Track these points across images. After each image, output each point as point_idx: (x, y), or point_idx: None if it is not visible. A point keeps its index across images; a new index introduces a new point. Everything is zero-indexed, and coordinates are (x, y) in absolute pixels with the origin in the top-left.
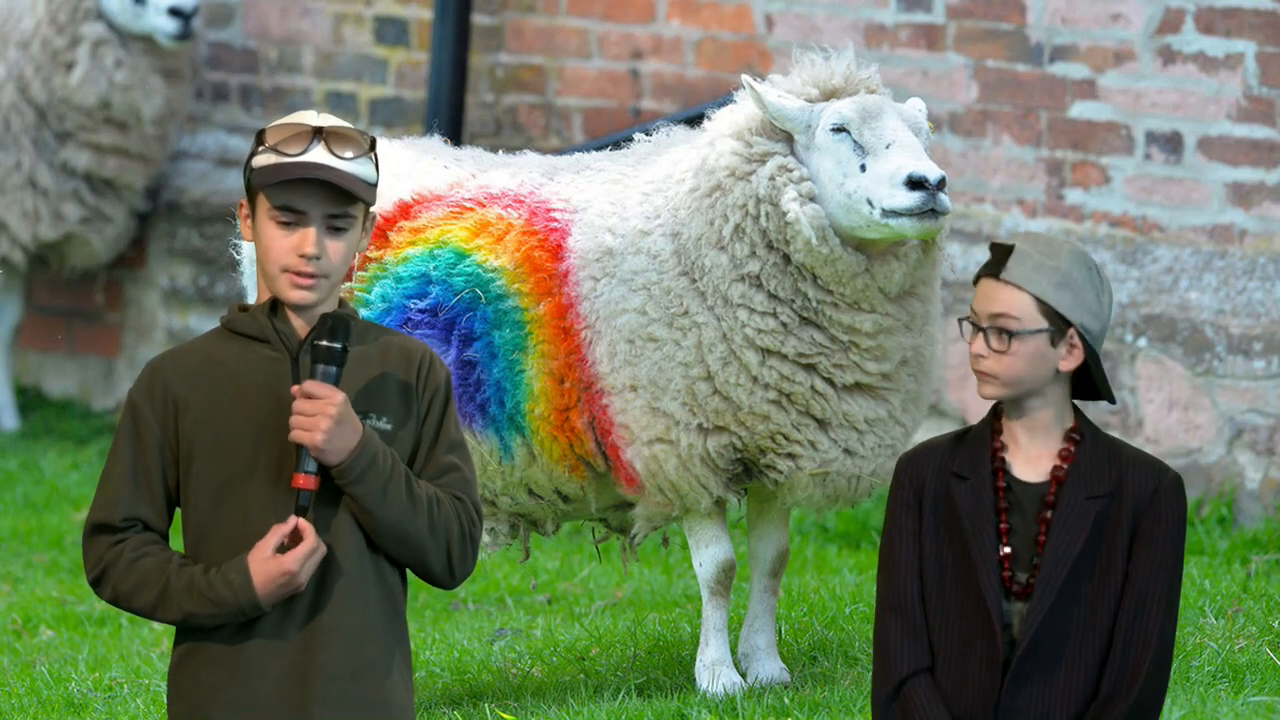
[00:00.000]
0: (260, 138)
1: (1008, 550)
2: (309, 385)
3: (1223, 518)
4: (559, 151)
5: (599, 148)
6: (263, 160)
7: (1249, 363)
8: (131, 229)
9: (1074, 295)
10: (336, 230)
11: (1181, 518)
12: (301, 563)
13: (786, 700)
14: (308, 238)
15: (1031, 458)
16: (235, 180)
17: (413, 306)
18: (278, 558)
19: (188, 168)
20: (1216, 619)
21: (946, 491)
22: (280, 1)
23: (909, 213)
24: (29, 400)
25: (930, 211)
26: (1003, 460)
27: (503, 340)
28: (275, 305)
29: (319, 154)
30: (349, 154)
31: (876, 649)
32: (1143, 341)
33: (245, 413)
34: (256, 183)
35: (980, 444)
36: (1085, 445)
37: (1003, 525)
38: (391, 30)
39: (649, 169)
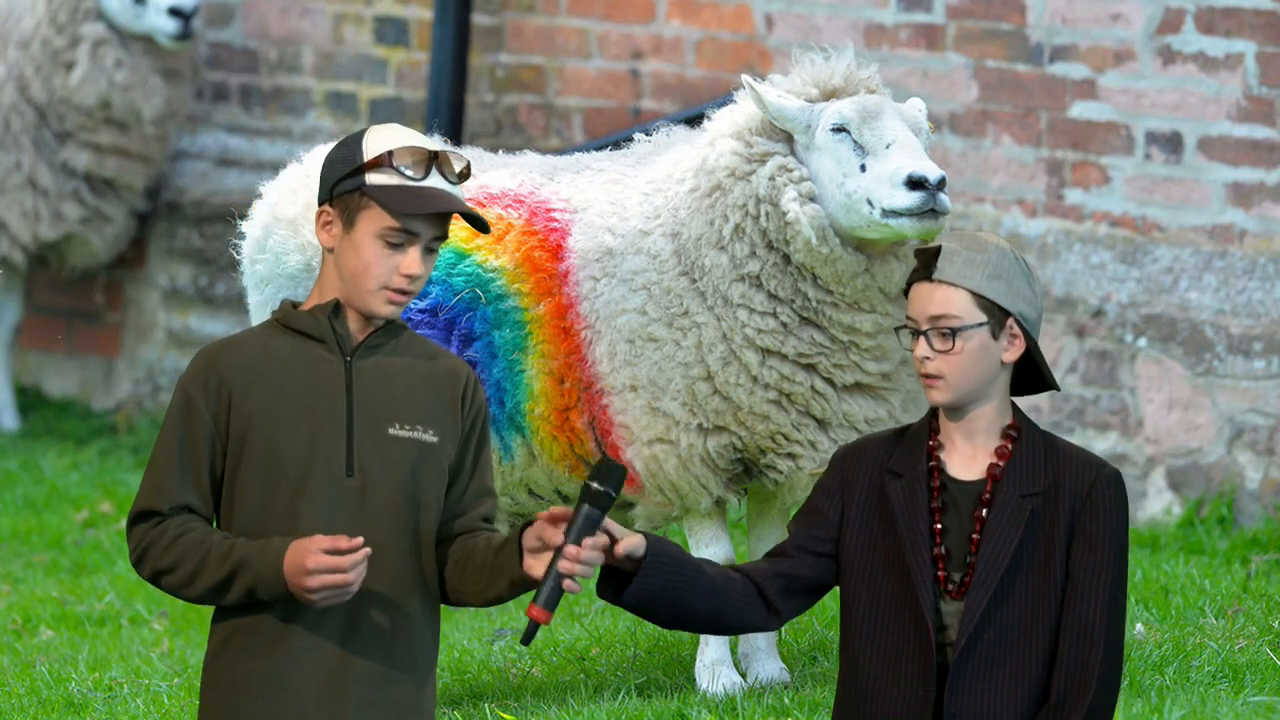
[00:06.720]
0: (358, 145)
1: (941, 550)
2: (591, 541)
3: (1223, 518)
4: (559, 151)
5: (599, 148)
6: (384, 179)
7: (1249, 363)
8: (131, 229)
9: (1007, 285)
10: (431, 251)
11: (1122, 513)
12: (322, 569)
13: (786, 700)
14: (415, 260)
15: (967, 456)
16: (235, 180)
17: (413, 306)
18: (312, 553)
19: (188, 168)
20: (1216, 619)
21: (880, 488)
22: (280, 1)
23: (909, 213)
24: (29, 400)
25: (930, 211)
26: (939, 459)
27: (502, 340)
28: (338, 307)
29: (438, 179)
30: (458, 179)
31: None
32: (1143, 341)
33: (298, 411)
34: (382, 201)
35: (917, 442)
36: (1022, 442)
37: (936, 525)
38: (391, 30)
39: (649, 169)
